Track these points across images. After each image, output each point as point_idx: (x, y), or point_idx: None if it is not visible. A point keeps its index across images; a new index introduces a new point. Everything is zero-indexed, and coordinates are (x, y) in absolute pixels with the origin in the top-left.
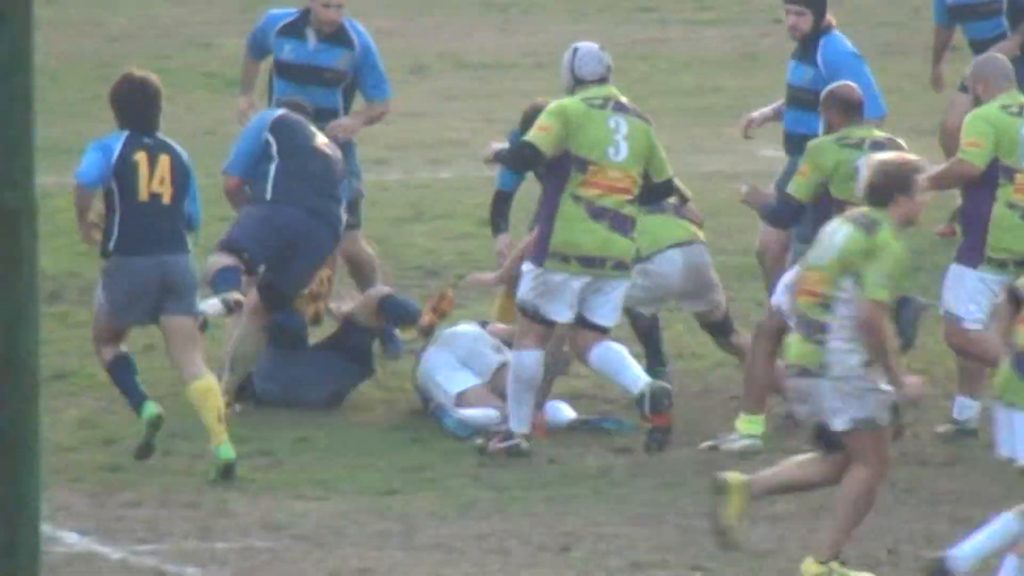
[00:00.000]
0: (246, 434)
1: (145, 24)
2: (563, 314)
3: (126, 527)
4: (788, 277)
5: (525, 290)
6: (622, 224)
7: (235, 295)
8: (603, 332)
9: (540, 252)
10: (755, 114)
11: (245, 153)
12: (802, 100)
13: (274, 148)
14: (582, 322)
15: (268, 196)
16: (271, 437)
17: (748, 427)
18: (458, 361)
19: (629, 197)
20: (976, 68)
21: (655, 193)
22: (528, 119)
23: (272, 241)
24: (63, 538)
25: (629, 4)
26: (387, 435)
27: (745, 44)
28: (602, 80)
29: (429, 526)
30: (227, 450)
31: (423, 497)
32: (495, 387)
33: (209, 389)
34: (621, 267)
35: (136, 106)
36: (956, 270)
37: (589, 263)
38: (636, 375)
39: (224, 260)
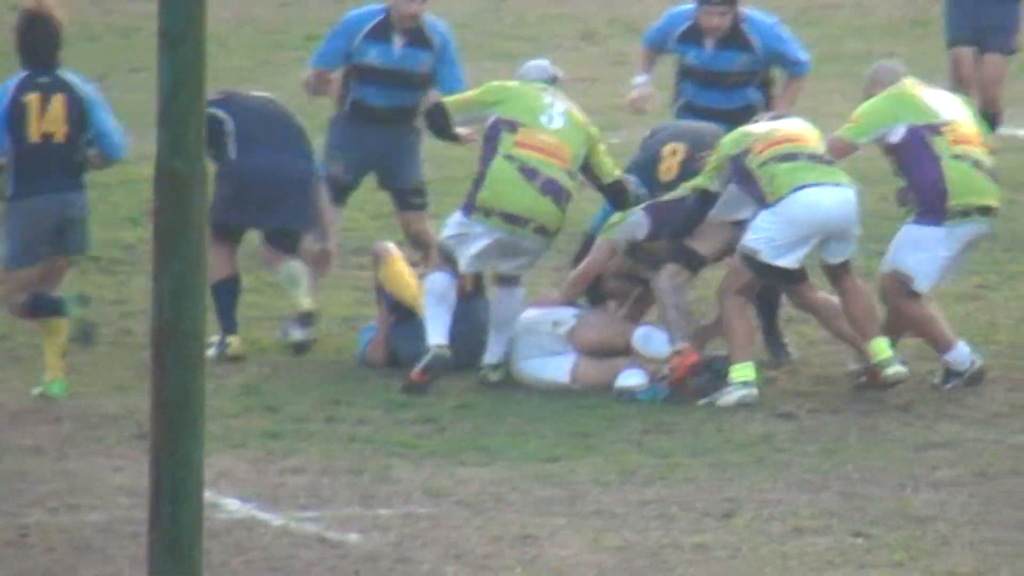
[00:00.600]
0: (409, 400)
1: None
2: (472, 265)
3: (288, 493)
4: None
5: (445, 235)
6: (555, 191)
7: None
8: (512, 278)
9: (467, 205)
10: (635, 94)
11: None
12: (738, 81)
13: (230, 124)
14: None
15: (233, 156)
16: (433, 403)
17: (741, 374)
18: (541, 355)
19: (565, 167)
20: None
21: (609, 196)
22: None
23: (245, 195)
24: (225, 505)
25: None
26: (549, 401)
27: (917, 10)
28: (546, 84)
29: (591, 493)
30: (60, 386)
31: (585, 463)
32: (580, 346)
33: (60, 326)
34: (543, 232)
35: (32, 43)
36: (914, 230)
37: (512, 220)
38: (434, 332)
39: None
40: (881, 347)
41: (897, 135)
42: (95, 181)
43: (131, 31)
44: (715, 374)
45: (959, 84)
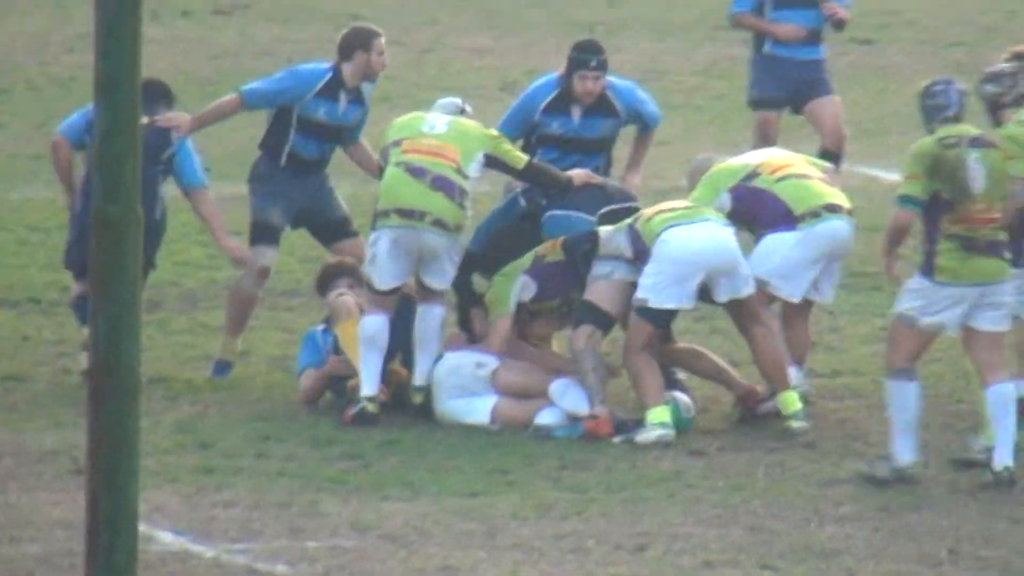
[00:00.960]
0: (336, 436)
1: (245, 43)
2: (389, 281)
3: (219, 527)
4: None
5: (366, 262)
6: (447, 186)
7: None
8: (432, 293)
9: (373, 221)
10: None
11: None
12: (600, 146)
13: None
14: (420, 284)
15: None
16: (359, 440)
17: (657, 417)
18: (462, 395)
19: (453, 165)
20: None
21: (528, 179)
22: None
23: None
24: (159, 537)
25: (710, 24)
26: (470, 439)
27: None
28: (455, 115)
29: (510, 527)
30: None
31: (504, 499)
32: (501, 388)
33: None
34: (440, 225)
35: None
36: (770, 240)
37: (407, 215)
38: (366, 383)
39: None
40: (791, 400)
41: (727, 202)
42: (36, 226)
43: (68, 81)
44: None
45: (764, 144)
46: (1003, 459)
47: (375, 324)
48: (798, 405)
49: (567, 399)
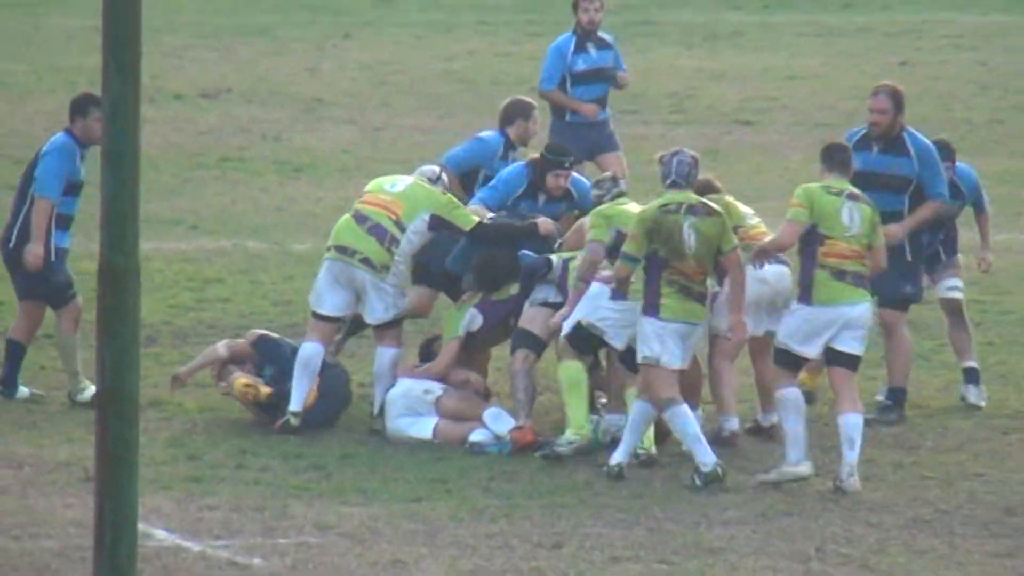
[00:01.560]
0: (303, 451)
1: (227, 121)
2: (328, 307)
3: (205, 526)
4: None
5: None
6: (380, 233)
7: None
8: (384, 336)
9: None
10: None
11: None
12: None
13: None
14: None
15: None
16: (323, 454)
17: (577, 432)
18: (410, 415)
19: (394, 218)
20: None
21: (479, 239)
22: None
23: None
24: (154, 534)
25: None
26: (415, 454)
27: (710, 141)
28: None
29: (448, 527)
30: None
31: (443, 504)
32: (443, 411)
33: None
34: (367, 263)
35: None
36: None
37: (342, 251)
38: (294, 399)
39: None
40: (576, 428)
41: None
42: None
43: None
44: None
45: None
46: (617, 457)
47: (310, 350)
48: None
49: (498, 424)
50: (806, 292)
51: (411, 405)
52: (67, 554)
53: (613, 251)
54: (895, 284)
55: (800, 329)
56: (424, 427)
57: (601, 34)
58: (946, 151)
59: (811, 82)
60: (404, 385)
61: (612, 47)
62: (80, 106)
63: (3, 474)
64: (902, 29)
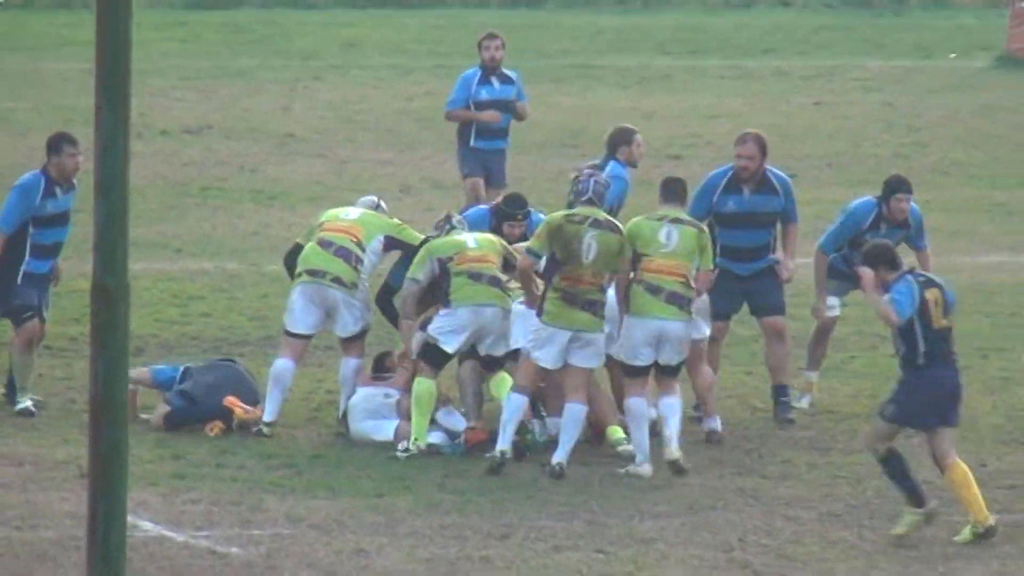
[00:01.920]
0: (276, 451)
1: (208, 155)
2: (300, 326)
3: (187, 518)
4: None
5: (285, 312)
6: (345, 255)
7: None
8: (349, 346)
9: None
10: None
11: None
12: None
13: None
14: (338, 338)
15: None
16: (294, 453)
17: (416, 441)
18: (373, 418)
19: (356, 240)
20: None
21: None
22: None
23: None
24: (142, 526)
25: (559, 140)
26: (377, 453)
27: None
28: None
29: (407, 519)
30: None
31: (403, 498)
32: (404, 416)
33: None
34: (339, 282)
35: None
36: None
37: (313, 273)
38: (267, 410)
39: None
40: (616, 432)
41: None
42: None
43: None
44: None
45: (477, 203)
46: (557, 457)
47: (282, 366)
48: (621, 434)
49: (450, 421)
50: (623, 305)
51: (373, 409)
52: (63, 543)
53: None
54: (778, 296)
55: (626, 341)
56: (386, 429)
57: (506, 71)
58: (904, 185)
59: (732, 120)
60: (365, 392)
61: (515, 83)
62: (55, 144)
63: (6, 471)
64: (816, 72)
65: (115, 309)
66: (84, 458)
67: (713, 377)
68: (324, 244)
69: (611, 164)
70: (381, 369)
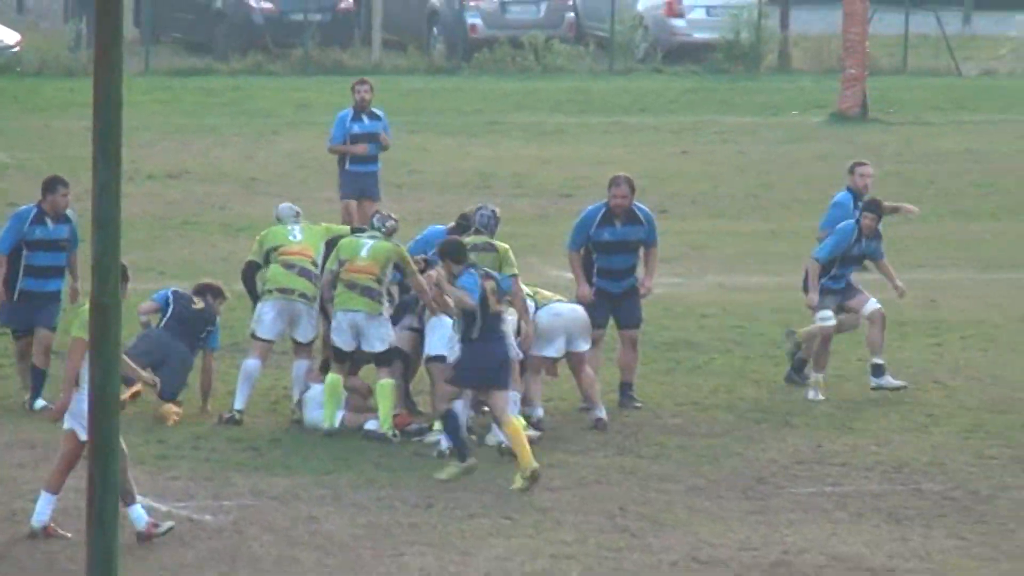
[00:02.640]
0: (242, 436)
1: (187, 195)
2: (268, 333)
3: (170, 491)
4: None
5: (252, 321)
6: (307, 274)
7: None
8: (301, 349)
9: (260, 299)
10: None
11: None
12: None
13: None
14: (292, 341)
15: None
16: (256, 438)
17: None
18: (322, 411)
19: (310, 259)
20: None
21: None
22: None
23: None
24: None
25: (473, 183)
26: (326, 438)
27: (541, 209)
28: (293, 217)
29: (350, 492)
30: None
31: (346, 475)
32: (348, 408)
33: None
34: (304, 297)
35: None
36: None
37: (284, 291)
38: (237, 399)
39: None
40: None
41: None
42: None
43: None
44: (419, 433)
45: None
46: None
47: (251, 365)
48: (522, 421)
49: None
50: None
51: (323, 402)
52: (68, 511)
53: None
54: (638, 312)
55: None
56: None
57: (374, 109)
58: (875, 205)
59: (615, 166)
60: (317, 388)
61: (381, 119)
62: (50, 184)
63: (23, 453)
64: (682, 127)
65: (109, 322)
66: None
67: (594, 376)
68: (288, 266)
69: (842, 193)
70: (327, 370)
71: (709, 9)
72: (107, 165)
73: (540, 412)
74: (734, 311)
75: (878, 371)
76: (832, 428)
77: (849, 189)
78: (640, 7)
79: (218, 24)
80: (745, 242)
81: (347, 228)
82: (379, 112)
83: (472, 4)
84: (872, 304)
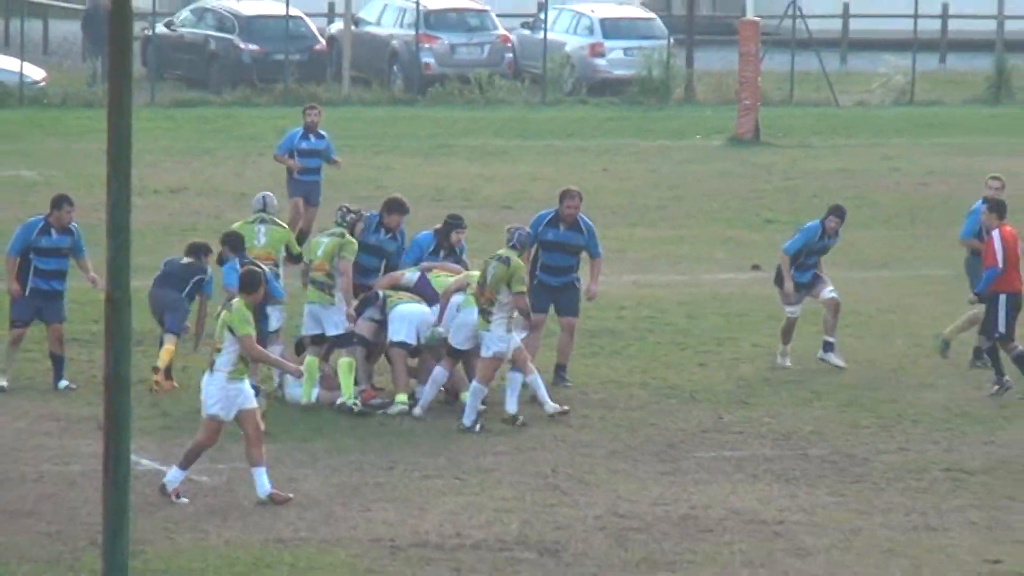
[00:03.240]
0: None
1: (186, 207)
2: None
3: (173, 457)
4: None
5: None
6: (273, 277)
7: None
8: (271, 334)
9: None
10: None
11: None
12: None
13: None
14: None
15: None
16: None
17: (400, 399)
18: (300, 388)
19: (272, 262)
20: None
21: (293, 260)
22: None
23: None
24: (141, 462)
25: (430, 196)
26: (305, 411)
27: (486, 219)
28: (259, 211)
29: (324, 457)
30: None
31: (320, 442)
32: (323, 386)
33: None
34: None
35: None
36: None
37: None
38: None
39: None
40: (400, 397)
41: None
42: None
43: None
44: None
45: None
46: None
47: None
48: (404, 398)
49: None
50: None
51: (300, 381)
52: (87, 475)
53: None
54: (575, 304)
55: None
56: (311, 395)
57: (320, 130)
58: (841, 211)
59: (546, 182)
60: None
61: (325, 139)
62: (57, 202)
63: (48, 424)
64: (604, 149)
65: (121, 313)
66: (101, 415)
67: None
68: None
69: (978, 202)
70: (300, 351)
71: (626, 50)
72: (119, 182)
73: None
74: (648, 304)
75: (828, 347)
76: (731, 403)
77: (984, 199)
78: (568, 48)
79: (212, 63)
80: (657, 246)
81: (298, 249)
82: (324, 133)
83: (426, 46)
84: (828, 292)
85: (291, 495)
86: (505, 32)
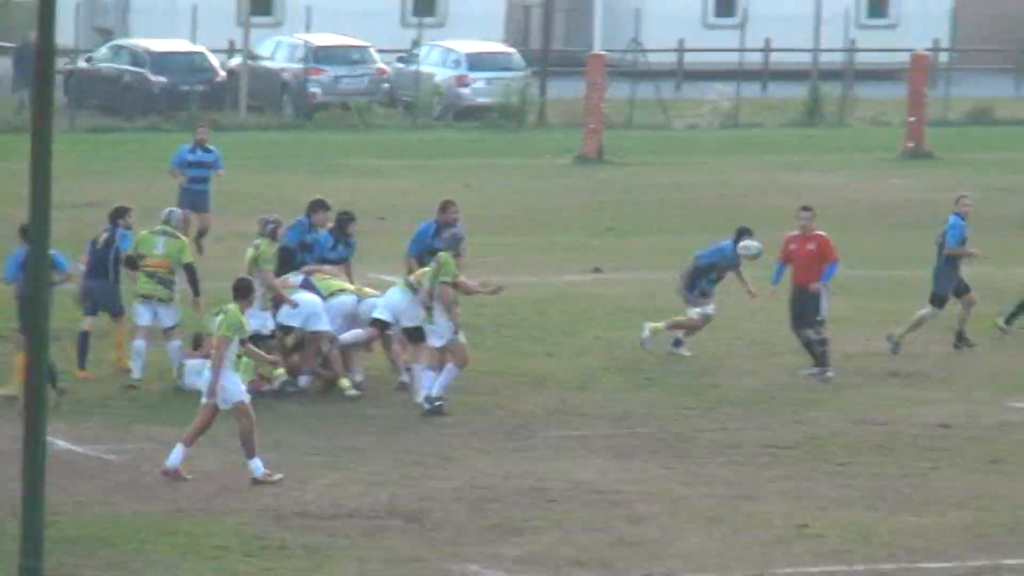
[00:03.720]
0: (137, 396)
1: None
2: (143, 322)
3: (85, 439)
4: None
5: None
6: (165, 283)
7: None
8: (169, 330)
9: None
10: None
11: None
12: None
13: None
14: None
15: None
16: (149, 395)
17: (345, 384)
18: (196, 377)
19: (168, 271)
20: None
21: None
22: None
23: None
24: (57, 443)
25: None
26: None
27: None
28: (163, 223)
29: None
30: None
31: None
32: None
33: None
34: (161, 300)
35: None
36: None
37: (146, 297)
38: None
39: None
40: (343, 383)
41: None
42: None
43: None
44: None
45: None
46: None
47: (139, 345)
48: (347, 383)
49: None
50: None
51: (197, 371)
52: (10, 454)
53: None
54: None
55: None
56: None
57: (208, 146)
58: (748, 231)
59: (417, 195)
60: (193, 362)
61: (214, 152)
62: (25, 231)
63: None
64: (467, 167)
65: (39, 311)
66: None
67: (400, 349)
68: (149, 275)
69: (952, 217)
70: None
71: (488, 80)
72: (40, 197)
73: (359, 377)
74: (504, 303)
75: (678, 343)
76: (574, 388)
77: (957, 214)
78: (437, 79)
79: (126, 94)
80: (511, 252)
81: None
82: (213, 148)
83: (313, 77)
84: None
85: (190, 477)
86: (383, 65)
